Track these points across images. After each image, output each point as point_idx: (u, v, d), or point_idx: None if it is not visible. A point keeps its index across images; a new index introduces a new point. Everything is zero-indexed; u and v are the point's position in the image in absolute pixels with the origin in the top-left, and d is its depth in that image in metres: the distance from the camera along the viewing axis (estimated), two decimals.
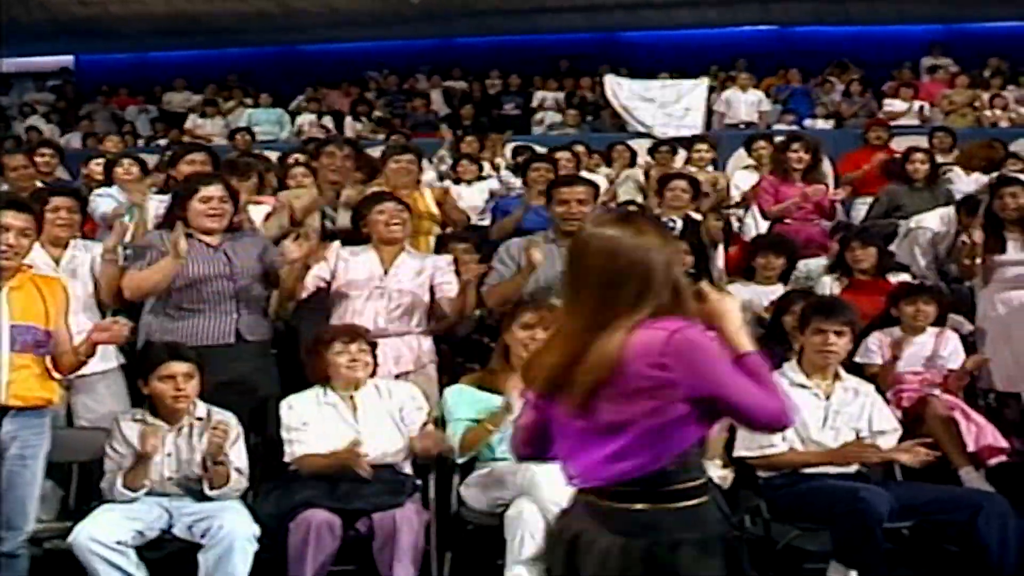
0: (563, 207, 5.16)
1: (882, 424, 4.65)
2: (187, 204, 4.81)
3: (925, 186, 7.66)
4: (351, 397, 4.53)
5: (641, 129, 11.82)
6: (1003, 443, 5.15)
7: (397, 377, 4.90)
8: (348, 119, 13.99)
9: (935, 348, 5.47)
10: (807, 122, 12.98)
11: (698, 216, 6.72)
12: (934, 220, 6.80)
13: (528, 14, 15.27)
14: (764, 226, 7.18)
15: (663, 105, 12.03)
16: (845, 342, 4.61)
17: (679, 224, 6.42)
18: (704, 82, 12.64)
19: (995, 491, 4.83)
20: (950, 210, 6.78)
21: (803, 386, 4.55)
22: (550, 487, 4.08)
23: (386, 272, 5.06)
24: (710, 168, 8.34)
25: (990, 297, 5.91)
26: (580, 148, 8.46)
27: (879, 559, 4.18)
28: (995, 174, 6.46)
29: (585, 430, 2.40)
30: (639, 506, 2.36)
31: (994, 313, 5.88)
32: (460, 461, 4.54)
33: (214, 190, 4.84)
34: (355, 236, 5.31)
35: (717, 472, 4.47)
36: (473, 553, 4.45)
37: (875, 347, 5.46)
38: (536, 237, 5.18)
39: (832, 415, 4.57)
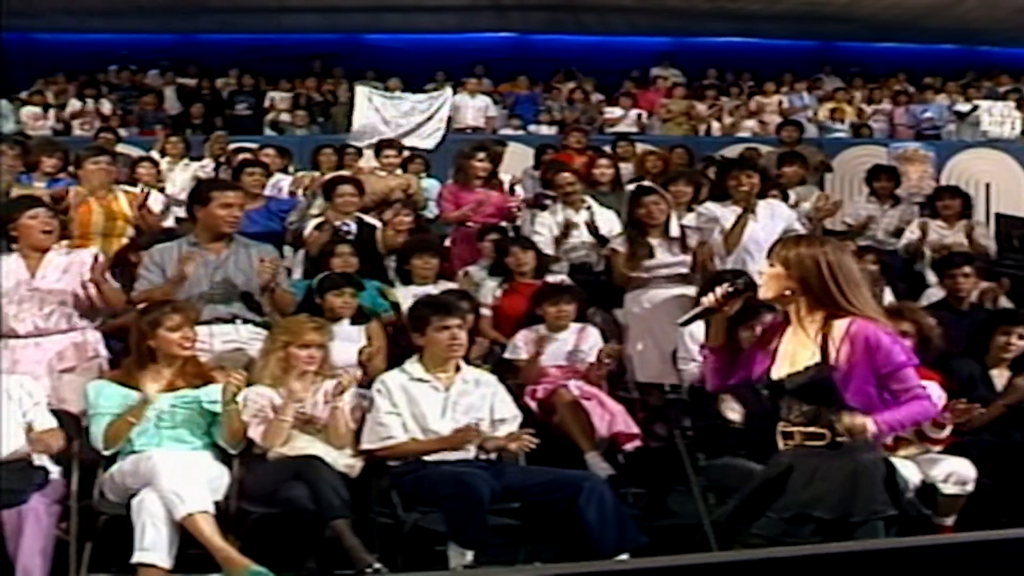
0: (226, 210, 5.38)
1: (502, 412, 4.97)
2: None
3: (610, 191, 8.21)
4: None
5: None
6: (635, 429, 5.65)
7: (62, 373, 5.05)
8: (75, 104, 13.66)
9: (576, 343, 5.95)
10: (532, 127, 13.52)
11: (374, 221, 6.97)
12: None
13: (271, 13, 15.29)
14: None
15: (419, 122, 12.35)
16: (466, 334, 4.97)
17: (352, 227, 6.69)
18: (448, 92, 12.99)
19: (615, 473, 5.32)
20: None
21: (423, 380, 4.86)
22: (169, 477, 4.34)
23: (33, 275, 5.12)
24: (399, 171, 8.65)
25: (635, 296, 6.32)
26: (271, 151, 8.63)
27: (487, 538, 4.51)
28: (634, 184, 6.85)
29: None
30: None
31: (638, 310, 6.31)
32: (107, 454, 4.70)
33: None
34: None
35: (345, 461, 4.78)
36: (112, 543, 4.61)
37: (521, 344, 5.91)
38: (184, 245, 5.41)
39: (451, 406, 4.84)
